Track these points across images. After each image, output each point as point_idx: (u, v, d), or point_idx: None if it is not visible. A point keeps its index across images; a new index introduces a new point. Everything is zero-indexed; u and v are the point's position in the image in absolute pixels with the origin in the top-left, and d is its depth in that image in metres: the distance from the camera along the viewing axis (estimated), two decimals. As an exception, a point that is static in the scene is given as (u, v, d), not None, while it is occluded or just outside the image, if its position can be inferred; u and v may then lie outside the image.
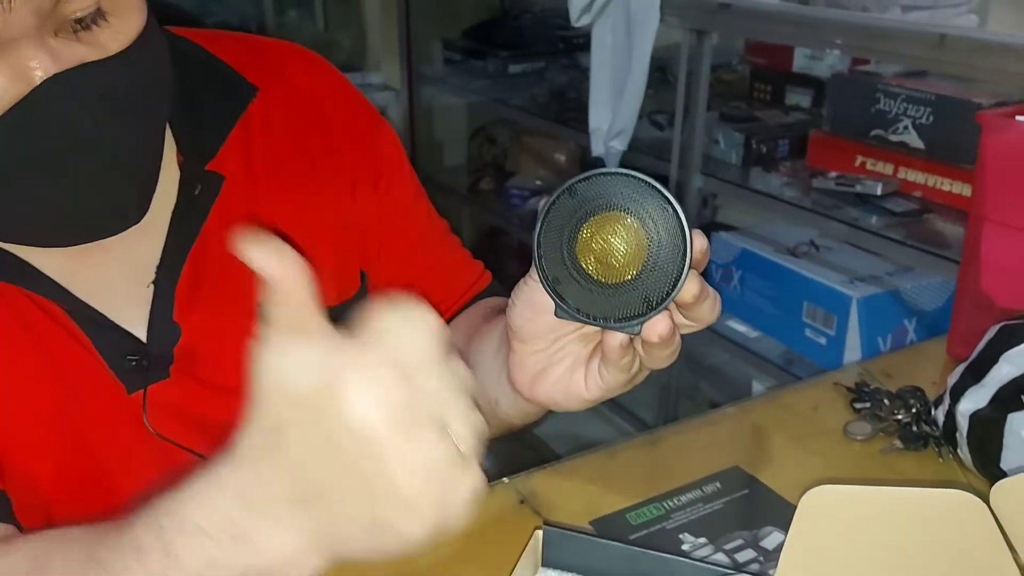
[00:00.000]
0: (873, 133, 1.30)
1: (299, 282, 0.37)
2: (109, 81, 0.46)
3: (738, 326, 1.52)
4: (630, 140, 1.51)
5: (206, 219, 0.57)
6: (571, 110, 1.80)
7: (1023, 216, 0.78)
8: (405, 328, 0.37)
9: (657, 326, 0.45)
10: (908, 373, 0.80)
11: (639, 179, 0.44)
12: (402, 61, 2.19)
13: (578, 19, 1.47)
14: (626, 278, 0.45)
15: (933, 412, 0.70)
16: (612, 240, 0.44)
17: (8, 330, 0.53)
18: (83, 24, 0.45)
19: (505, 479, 0.65)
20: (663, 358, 0.48)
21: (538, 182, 2.12)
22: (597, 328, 0.50)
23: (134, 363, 0.56)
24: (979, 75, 1.07)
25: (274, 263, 0.37)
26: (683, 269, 0.44)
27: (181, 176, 0.57)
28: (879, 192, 1.25)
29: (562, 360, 0.53)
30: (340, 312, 0.67)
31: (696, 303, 0.46)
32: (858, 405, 0.76)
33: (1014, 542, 0.39)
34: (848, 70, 1.42)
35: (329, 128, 0.65)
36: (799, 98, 1.61)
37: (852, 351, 1.27)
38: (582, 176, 0.45)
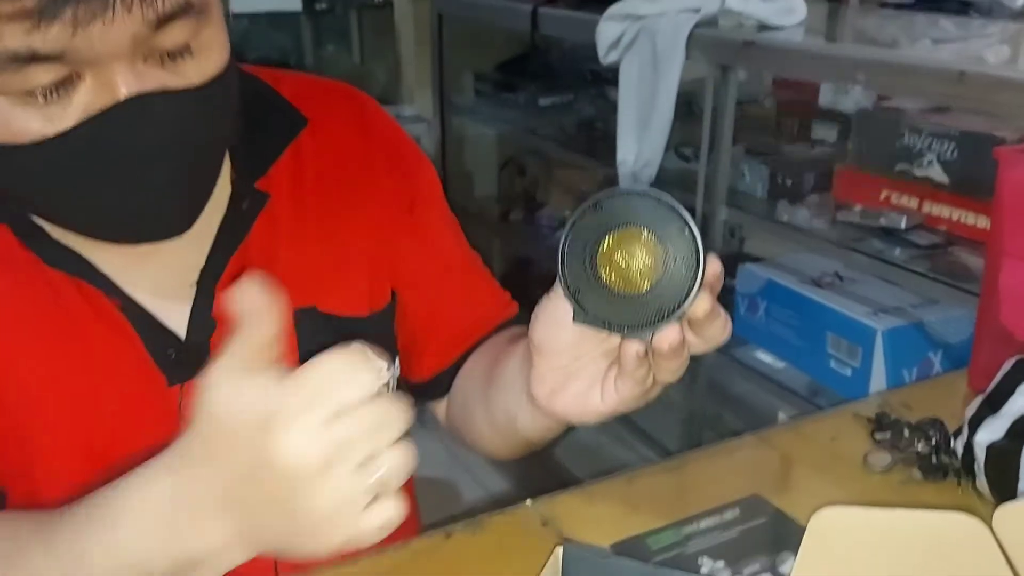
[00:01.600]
0: (898, 167, 1.32)
1: (270, 326, 0.42)
2: (184, 109, 0.50)
3: (764, 356, 1.52)
4: (657, 172, 1.53)
5: (250, 231, 0.63)
6: (599, 141, 1.83)
7: (1042, 251, 0.79)
8: (341, 371, 0.42)
9: (668, 335, 0.48)
10: (929, 405, 0.81)
11: (661, 200, 0.47)
12: (435, 93, 2.25)
13: (606, 55, 1.51)
14: (642, 290, 0.48)
15: (952, 443, 0.71)
16: (631, 254, 0.48)
17: (53, 321, 0.58)
18: (171, 56, 0.50)
19: (528, 502, 0.67)
20: (672, 370, 0.51)
21: (567, 213, 2.15)
22: (614, 346, 0.53)
23: (174, 357, 0.61)
24: (1000, 111, 1.08)
25: (254, 300, 0.42)
26: (695, 285, 0.47)
27: (232, 191, 0.63)
28: (903, 225, 1.26)
29: (581, 377, 0.55)
30: (368, 322, 0.71)
31: (707, 321, 0.49)
32: (878, 436, 0.77)
33: (1016, 565, 0.41)
34: (873, 105, 1.43)
35: (371, 158, 0.70)
36: (825, 132, 1.62)
37: (877, 383, 1.27)
38: (609, 193, 0.48)
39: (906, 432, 0.75)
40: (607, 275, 0.49)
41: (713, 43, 1.38)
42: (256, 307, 0.42)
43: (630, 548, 0.61)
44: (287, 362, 0.44)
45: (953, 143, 1.24)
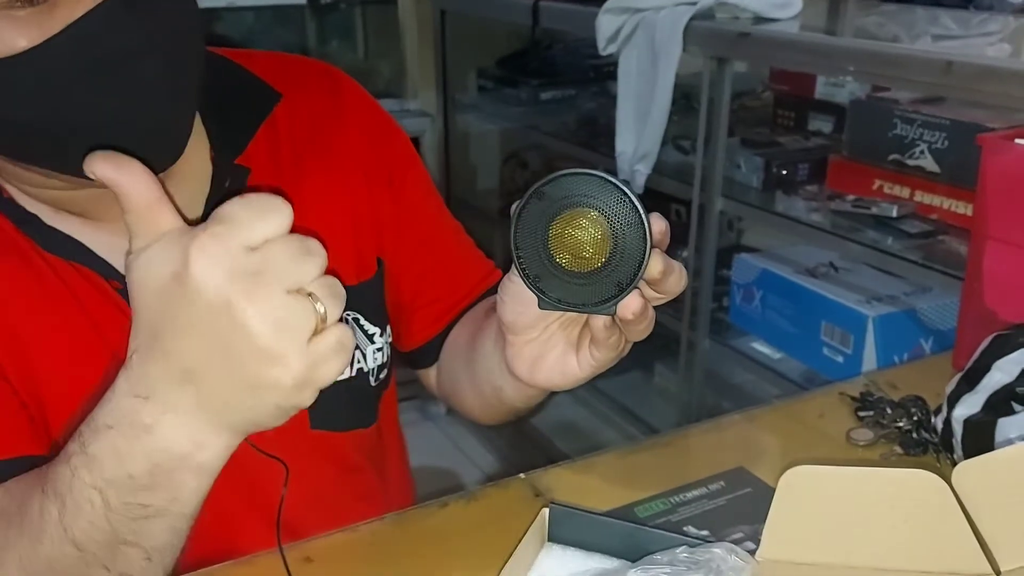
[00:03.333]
0: (890, 157, 1.34)
1: (143, 186, 0.43)
2: (157, 9, 0.52)
3: (760, 347, 1.55)
4: (655, 164, 1.55)
5: None
6: (600, 135, 1.85)
7: (1023, 234, 0.81)
8: (248, 211, 0.42)
9: (630, 305, 0.50)
10: (913, 384, 0.83)
11: (596, 176, 0.49)
12: (438, 89, 2.27)
13: (605, 48, 1.53)
14: (597, 266, 0.50)
15: (933, 420, 0.74)
16: (580, 234, 0.49)
17: (66, 306, 0.60)
18: None
19: (522, 475, 0.70)
20: (640, 331, 0.53)
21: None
22: (576, 315, 0.55)
23: None
24: (987, 100, 1.10)
25: (111, 170, 0.43)
26: (645, 251, 0.49)
27: (213, 170, 0.65)
28: (895, 214, 1.28)
29: (555, 345, 0.57)
30: (358, 291, 0.73)
31: (663, 278, 0.51)
32: (862, 413, 0.79)
33: (973, 517, 0.43)
34: (866, 96, 1.45)
35: (346, 130, 0.72)
36: (821, 124, 1.64)
37: (869, 369, 1.29)
38: (546, 179, 0.49)
39: (889, 410, 0.78)
40: (562, 259, 0.50)
41: (709, 35, 1.41)
42: (114, 175, 0.43)
43: (618, 516, 0.63)
44: None
45: (944, 133, 1.26)
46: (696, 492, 0.68)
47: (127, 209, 0.44)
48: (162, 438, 0.45)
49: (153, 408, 0.45)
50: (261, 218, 0.42)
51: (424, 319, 0.78)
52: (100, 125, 0.53)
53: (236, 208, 0.43)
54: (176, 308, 0.43)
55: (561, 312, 0.54)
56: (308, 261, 0.43)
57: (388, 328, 0.76)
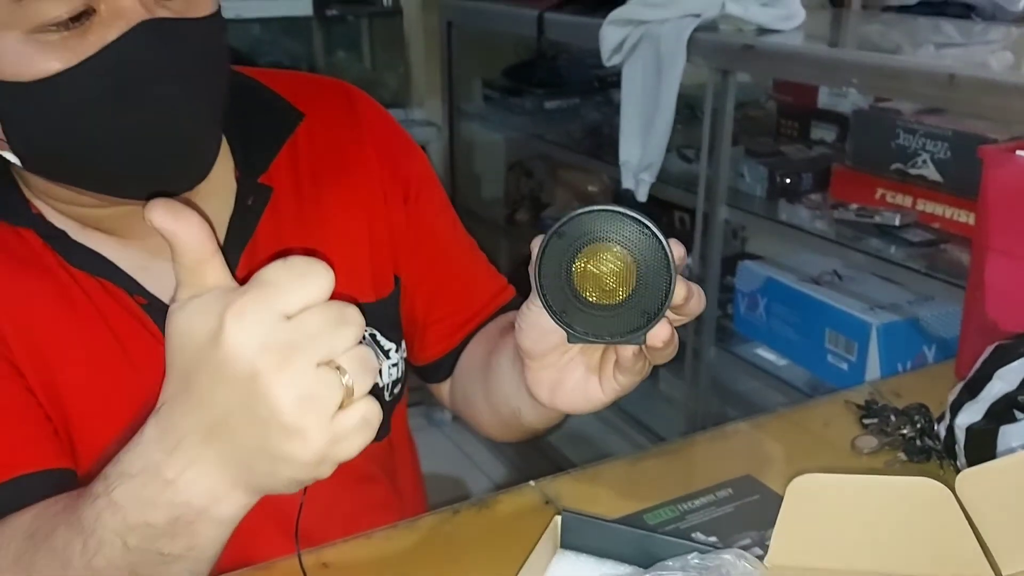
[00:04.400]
0: (893, 167, 1.35)
1: (198, 239, 0.43)
2: (191, 33, 0.54)
3: (766, 354, 1.56)
4: (659, 173, 1.57)
5: (258, 224, 0.66)
6: (604, 145, 1.87)
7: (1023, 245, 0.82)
8: (288, 276, 0.42)
9: (660, 333, 0.51)
10: (917, 392, 0.84)
11: (615, 211, 0.50)
12: (444, 99, 2.28)
13: (609, 59, 1.55)
14: (622, 298, 0.50)
15: (936, 428, 0.75)
16: (603, 268, 0.50)
17: (91, 321, 0.61)
18: None
19: (532, 483, 0.71)
20: (667, 355, 0.54)
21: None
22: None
23: None
24: (988, 113, 1.12)
25: (169, 220, 0.43)
26: (671, 280, 0.50)
27: (238, 189, 0.66)
28: (897, 223, 1.29)
29: (574, 370, 0.58)
30: (375, 309, 0.74)
31: (685, 303, 0.52)
32: (867, 421, 0.80)
33: (977, 524, 0.44)
34: (869, 106, 1.46)
35: (363, 149, 0.74)
36: (824, 133, 1.65)
37: (873, 376, 1.30)
38: (565, 219, 0.50)
39: (893, 418, 0.79)
40: (587, 293, 0.51)
41: (713, 47, 1.42)
42: (172, 223, 0.43)
43: (628, 523, 0.64)
44: None
45: (946, 143, 1.27)
46: (704, 499, 0.69)
47: (178, 260, 0.44)
48: (183, 492, 0.45)
49: (176, 462, 0.45)
50: (301, 284, 0.42)
51: (437, 334, 0.78)
52: (129, 146, 0.55)
53: (277, 272, 0.42)
54: (208, 369, 0.43)
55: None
56: (342, 332, 0.43)
57: (403, 343, 0.77)
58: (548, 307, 0.52)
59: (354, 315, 0.44)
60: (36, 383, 0.60)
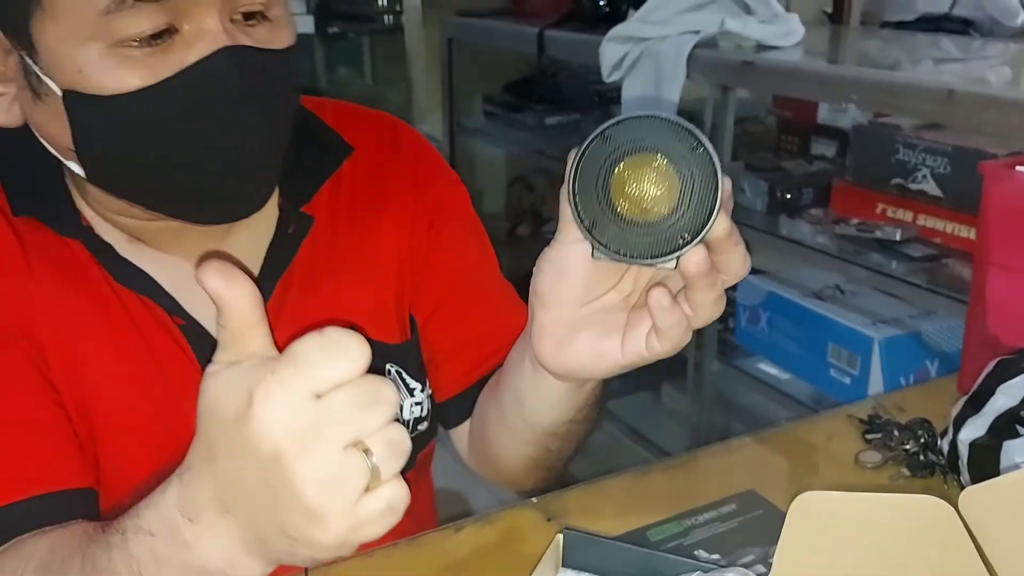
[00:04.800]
0: (893, 182, 1.36)
1: (246, 307, 0.42)
2: (270, 63, 0.55)
3: (768, 368, 1.56)
4: (660, 188, 1.56)
5: (296, 252, 0.66)
6: (605, 160, 1.87)
7: (1025, 260, 0.82)
8: (322, 353, 0.40)
9: (694, 256, 0.46)
10: (920, 407, 0.84)
11: (669, 120, 0.45)
12: (445, 114, 2.30)
13: (609, 75, 1.55)
14: (660, 216, 0.45)
15: (939, 443, 0.75)
16: (645, 180, 0.45)
17: (129, 338, 0.61)
18: (249, 20, 0.55)
19: (534, 499, 0.71)
20: (707, 303, 0.48)
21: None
22: (623, 297, 0.51)
23: None
24: (987, 128, 1.12)
25: (221, 285, 0.41)
26: (715, 204, 0.45)
27: (280, 216, 0.66)
28: (898, 238, 1.30)
29: (587, 327, 0.53)
30: (401, 350, 0.72)
31: (727, 244, 0.47)
32: (870, 436, 0.80)
33: (980, 542, 0.44)
34: (869, 122, 1.47)
35: (401, 180, 0.73)
36: (824, 148, 1.66)
37: (875, 390, 1.30)
38: (614, 120, 0.45)
39: (896, 432, 0.79)
40: (622, 205, 0.46)
41: (713, 64, 1.43)
42: (223, 292, 0.42)
43: (631, 540, 0.64)
44: None
45: (946, 158, 1.28)
46: (707, 515, 0.68)
47: (223, 323, 0.42)
48: (200, 556, 0.45)
49: (195, 528, 0.44)
50: (334, 362, 0.40)
51: (452, 370, 0.74)
52: (194, 170, 0.56)
53: (311, 348, 0.40)
54: (232, 445, 0.42)
55: (600, 291, 0.50)
56: (373, 412, 0.41)
57: (427, 383, 0.74)
58: (578, 216, 0.47)
59: (387, 393, 0.41)
60: (69, 397, 0.60)
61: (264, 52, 0.55)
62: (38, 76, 0.54)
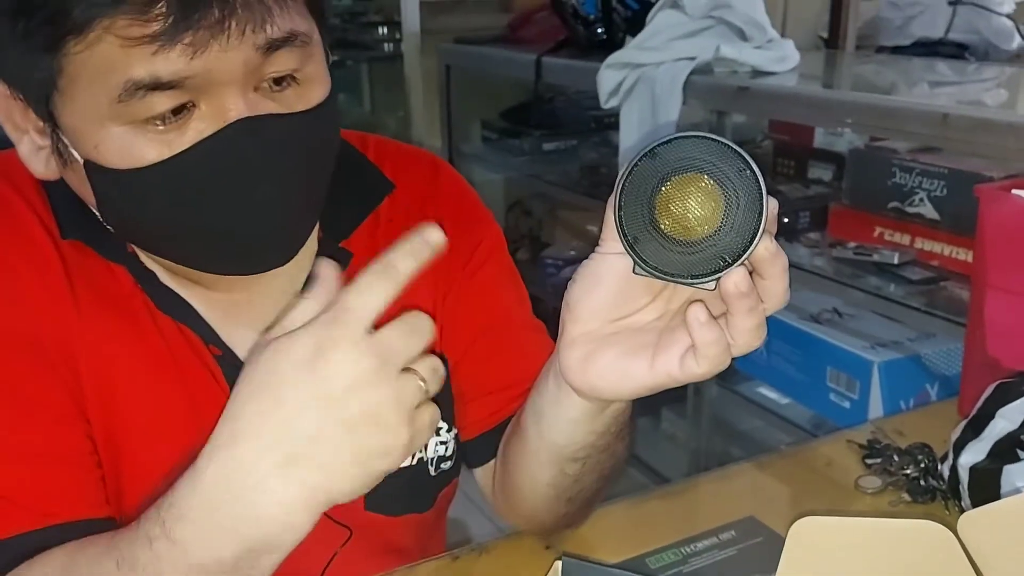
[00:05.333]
0: (890, 205, 1.36)
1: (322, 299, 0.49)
2: (288, 131, 0.54)
3: (768, 392, 1.55)
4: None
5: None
6: (602, 184, 1.88)
7: (1023, 282, 0.82)
8: (364, 293, 0.48)
9: (734, 277, 0.45)
10: (920, 431, 0.84)
11: (718, 141, 0.45)
12: (443, 140, 2.31)
13: (607, 101, 1.57)
14: (703, 236, 0.46)
15: (940, 467, 0.74)
16: (690, 200, 0.46)
17: (164, 367, 0.61)
18: (278, 84, 0.54)
19: (533, 526, 0.70)
20: (747, 329, 0.47)
21: (572, 252, 2.19)
22: (658, 316, 0.52)
23: None
24: (983, 151, 1.13)
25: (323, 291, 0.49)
26: (760, 226, 0.45)
27: (319, 249, 0.66)
28: (896, 261, 1.30)
29: (616, 344, 0.52)
30: None
31: (771, 269, 0.47)
32: (869, 461, 0.80)
33: (980, 568, 0.44)
34: (865, 146, 1.48)
35: (439, 217, 0.71)
36: (821, 172, 1.67)
37: (875, 414, 1.30)
38: (663, 139, 0.46)
39: (896, 457, 0.78)
40: (666, 223, 0.46)
41: (709, 89, 1.44)
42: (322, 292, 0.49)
43: (631, 568, 0.64)
44: None
45: (942, 181, 1.28)
46: (707, 542, 0.68)
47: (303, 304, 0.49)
48: (259, 527, 0.47)
49: (254, 492, 0.47)
50: (377, 297, 0.48)
51: (480, 410, 0.72)
52: (213, 235, 0.57)
53: (356, 290, 0.48)
54: (297, 388, 0.47)
55: (632, 309, 0.51)
56: (417, 339, 0.49)
57: (454, 425, 0.73)
58: (621, 231, 0.47)
59: (422, 323, 0.49)
60: (98, 425, 0.60)
61: (287, 117, 0.54)
62: (64, 142, 0.55)
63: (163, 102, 0.51)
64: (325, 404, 0.46)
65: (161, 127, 0.52)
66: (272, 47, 0.52)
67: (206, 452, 0.48)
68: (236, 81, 0.52)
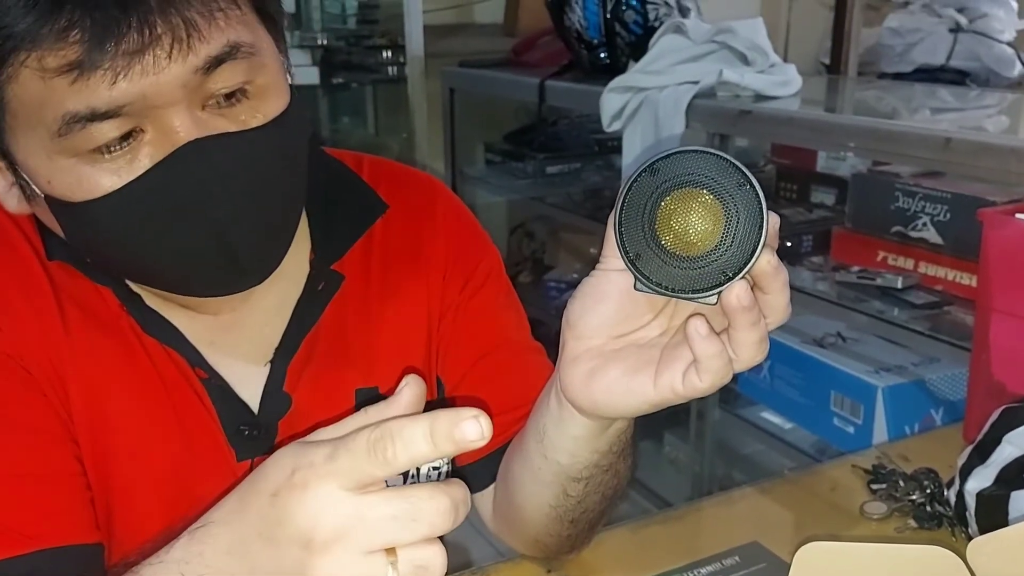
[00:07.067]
0: (893, 229, 1.36)
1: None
2: (240, 150, 0.53)
3: (771, 417, 1.54)
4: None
5: (324, 310, 0.65)
6: (605, 207, 1.88)
7: (1027, 306, 0.82)
8: (366, 446, 0.39)
9: (735, 290, 0.45)
10: (925, 456, 0.83)
11: (718, 156, 0.45)
12: (447, 163, 2.32)
13: (610, 125, 1.57)
14: (704, 251, 0.46)
15: (946, 493, 0.73)
16: (691, 215, 0.46)
17: (152, 389, 0.61)
18: (228, 100, 0.52)
19: (534, 550, 0.69)
20: (750, 343, 0.47)
21: (574, 275, 2.19)
22: (659, 332, 0.51)
23: (247, 433, 0.62)
24: (985, 175, 1.13)
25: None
26: (760, 241, 0.45)
27: (310, 272, 0.65)
28: (899, 285, 1.29)
29: (618, 361, 0.51)
30: (428, 410, 0.70)
31: (772, 283, 0.46)
32: (875, 486, 0.79)
33: (990, 595, 0.43)
34: (868, 170, 1.48)
35: (435, 242, 0.71)
36: (823, 196, 1.67)
37: (880, 439, 1.29)
38: (663, 154, 0.46)
39: (902, 483, 0.78)
40: (667, 239, 0.46)
41: (711, 113, 1.44)
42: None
43: (632, 593, 0.63)
44: None
45: (945, 206, 1.28)
46: (710, 568, 0.67)
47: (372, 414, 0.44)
48: None
49: None
50: (376, 460, 0.39)
51: None
52: (180, 262, 0.56)
53: (356, 443, 0.39)
54: (266, 506, 0.41)
55: (634, 326, 0.50)
56: (408, 527, 0.39)
57: None
58: (621, 247, 0.47)
59: (429, 514, 0.40)
60: (87, 447, 0.59)
61: (239, 135, 0.53)
62: (24, 179, 0.54)
63: (107, 131, 0.50)
64: (275, 537, 0.40)
65: (109, 156, 0.51)
66: (213, 64, 0.51)
67: (188, 530, 0.45)
68: (178, 102, 0.51)
